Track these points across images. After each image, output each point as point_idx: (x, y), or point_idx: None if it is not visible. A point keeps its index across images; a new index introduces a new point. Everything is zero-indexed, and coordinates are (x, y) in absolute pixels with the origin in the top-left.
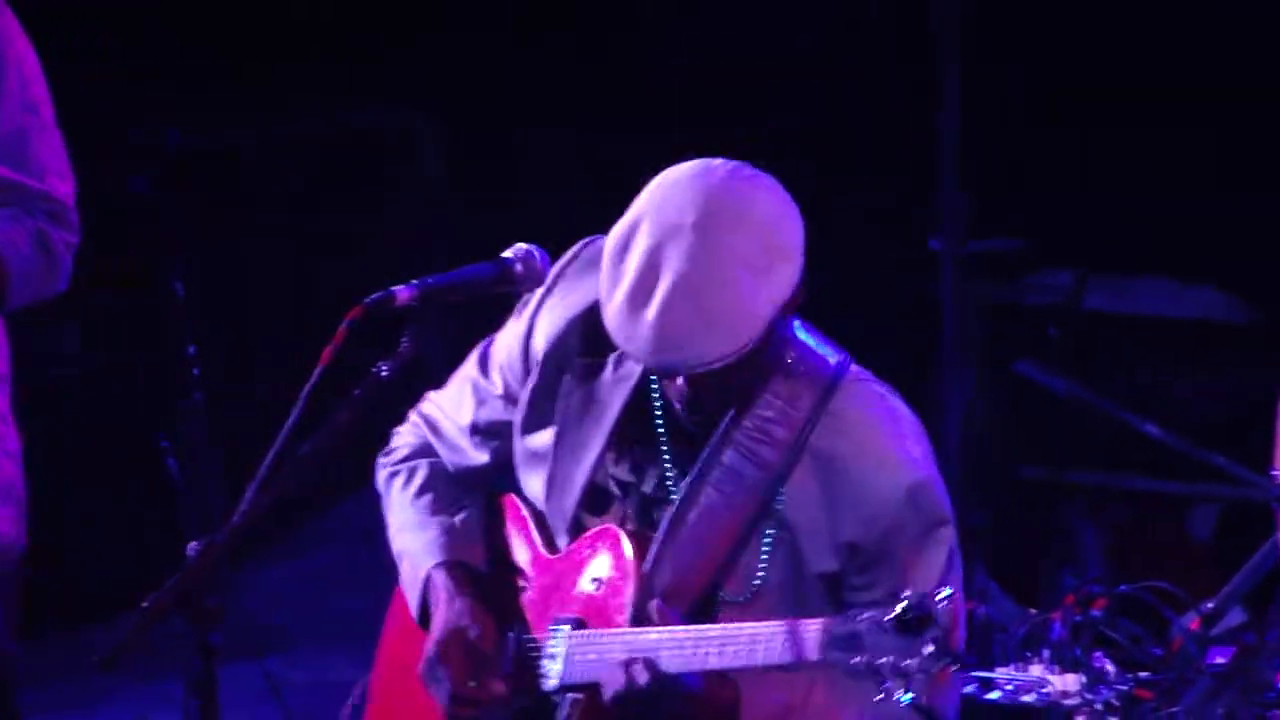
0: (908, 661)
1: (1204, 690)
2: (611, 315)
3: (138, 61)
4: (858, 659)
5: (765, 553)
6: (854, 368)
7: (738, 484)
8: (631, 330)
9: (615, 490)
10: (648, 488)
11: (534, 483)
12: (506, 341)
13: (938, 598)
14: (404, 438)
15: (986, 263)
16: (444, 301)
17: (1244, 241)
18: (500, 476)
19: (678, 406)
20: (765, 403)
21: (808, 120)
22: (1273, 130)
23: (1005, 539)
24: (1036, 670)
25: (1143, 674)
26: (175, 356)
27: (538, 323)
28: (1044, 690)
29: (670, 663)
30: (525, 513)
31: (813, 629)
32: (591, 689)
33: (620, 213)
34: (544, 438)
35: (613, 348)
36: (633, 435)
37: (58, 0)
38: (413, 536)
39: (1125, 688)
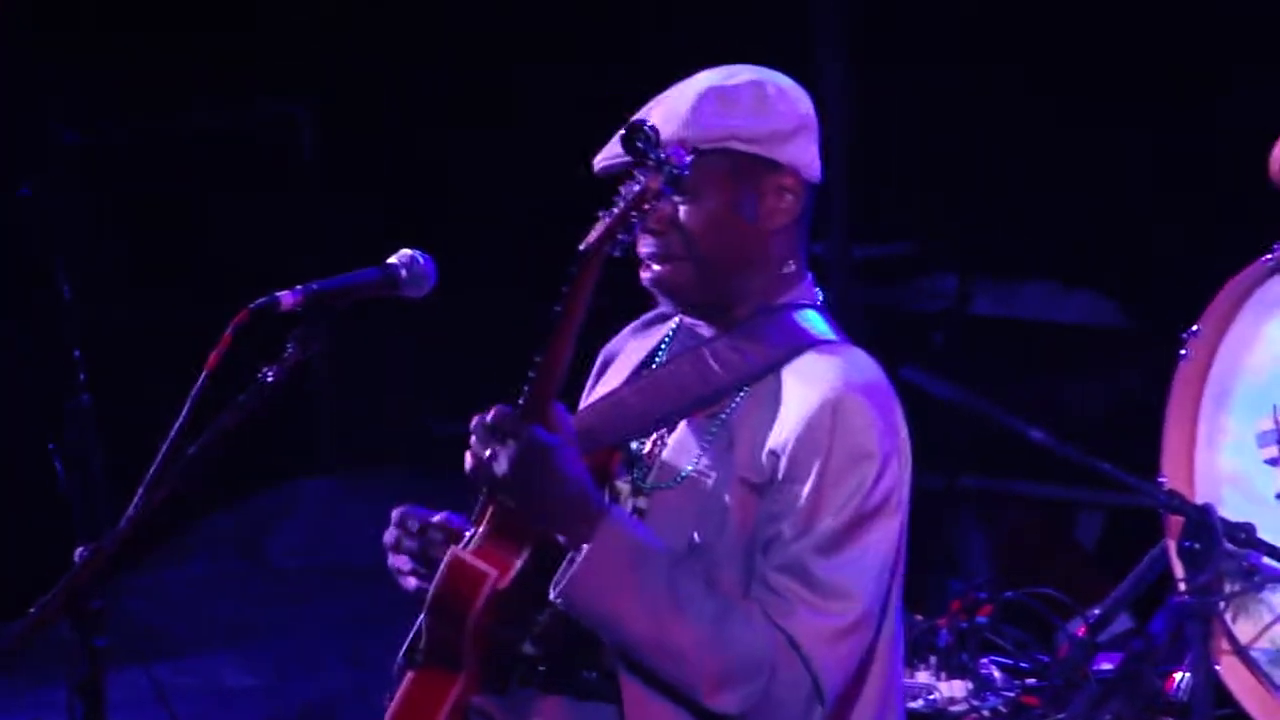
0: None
1: (1090, 696)
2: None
3: (23, 59)
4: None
5: (704, 443)
6: (852, 345)
7: (700, 372)
8: (604, 149)
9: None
10: None
11: None
12: None
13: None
14: None
15: (870, 268)
16: (329, 306)
17: (1127, 244)
18: None
19: (644, 248)
20: (751, 335)
21: None
22: (1152, 133)
23: None
24: (923, 677)
25: (1029, 680)
26: (62, 359)
27: (615, 340)
28: (931, 697)
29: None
30: None
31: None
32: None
33: (510, 204)
34: None
35: (659, 325)
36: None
37: None
38: None
39: (1012, 694)
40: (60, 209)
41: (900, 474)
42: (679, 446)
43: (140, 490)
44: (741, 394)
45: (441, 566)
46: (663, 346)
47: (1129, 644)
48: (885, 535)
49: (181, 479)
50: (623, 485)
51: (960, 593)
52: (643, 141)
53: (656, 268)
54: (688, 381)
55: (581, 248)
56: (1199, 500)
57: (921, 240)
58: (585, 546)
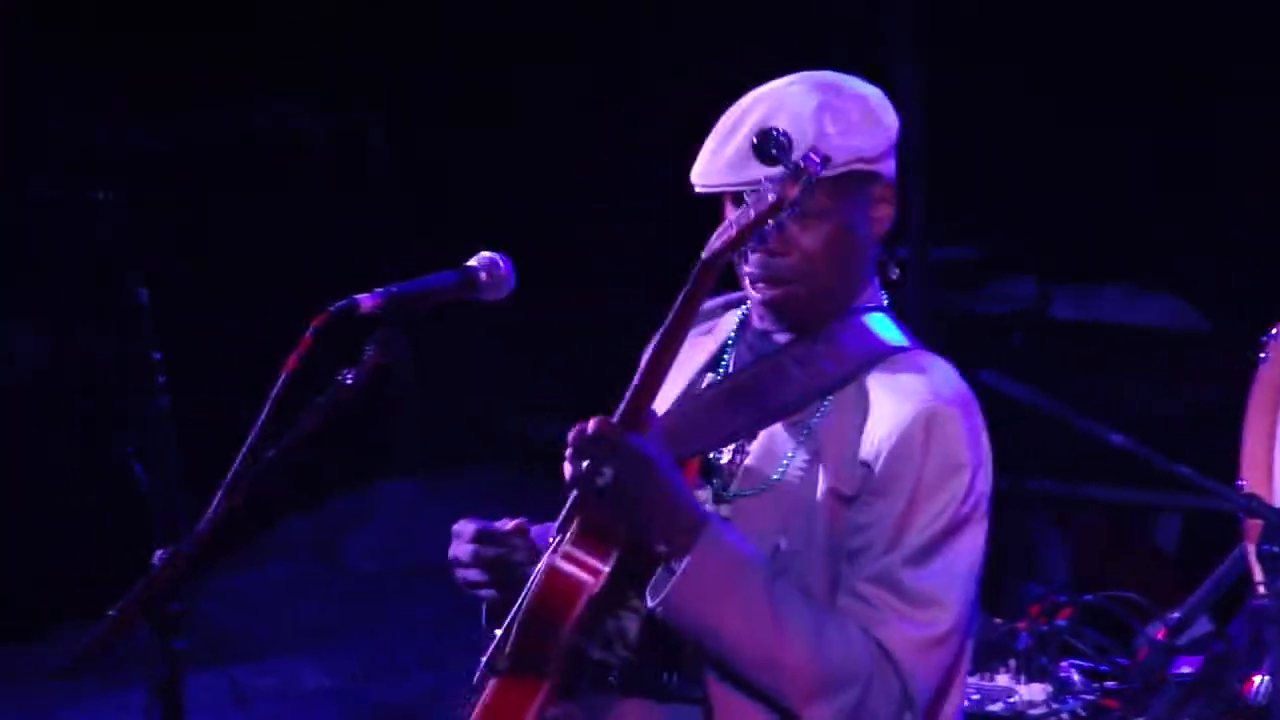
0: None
1: (1170, 700)
2: (700, 162)
3: (101, 69)
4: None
5: (789, 453)
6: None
7: (781, 377)
8: (715, 163)
9: None
10: None
11: None
12: None
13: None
14: None
15: (949, 271)
16: (408, 309)
17: (1207, 247)
18: None
19: (757, 269)
20: (832, 341)
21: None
22: (1230, 142)
23: None
24: (1003, 680)
25: (1109, 684)
26: (140, 363)
27: None
28: (1011, 699)
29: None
30: None
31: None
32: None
33: (579, 213)
34: None
35: (717, 323)
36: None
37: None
38: None
39: (1091, 697)
40: (138, 214)
41: (987, 481)
42: (764, 453)
43: (219, 493)
44: (826, 401)
45: (537, 575)
46: (729, 345)
47: (1208, 648)
48: (974, 543)
49: (261, 482)
50: (702, 494)
51: (1039, 596)
52: (777, 149)
53: (772, 291)
54: (769, 388)
55: (705, 255)
56: (1278, 503)
57: (999, 243)
58: (686, 557)
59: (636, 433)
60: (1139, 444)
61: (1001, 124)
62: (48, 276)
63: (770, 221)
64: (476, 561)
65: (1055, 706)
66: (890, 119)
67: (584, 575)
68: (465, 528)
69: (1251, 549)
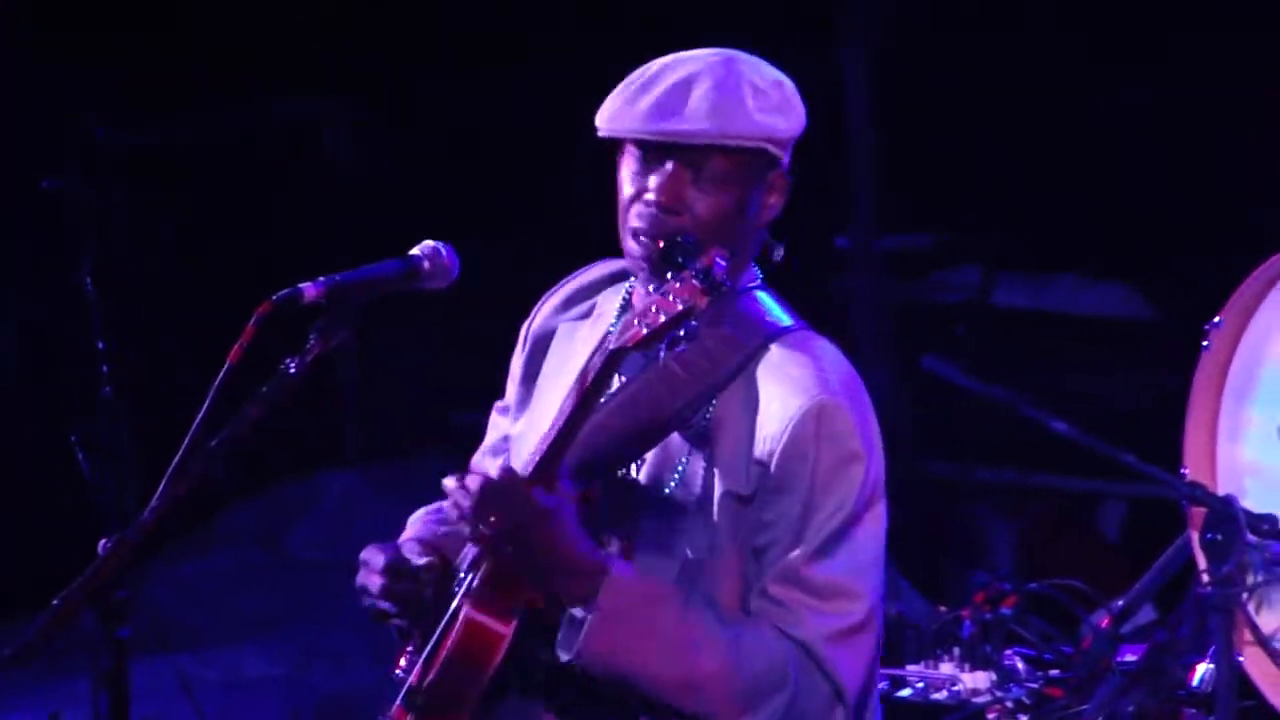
0: (677, 300)
1: (1114, 688)
2: (609, 107)
3: (54, 57)
4: (644, 322)
5: (682, 460)
6: (811, 330)
7: (670, 384)
8: (628, 110)
9: None
10: None
11: (517, 458)
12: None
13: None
14: None
15: (894, 260)
16: (351, 298)
17: (1149, 238)
18: None
19: (644, 222)
20: (715, 331)
21: None
22: (1177, 129)
23: (915, 537)
24: (947, 668)
25: (1053, 672)
26: (86, 352)
27: (540, 308)
28: (955, 688)
29: (530, 462)
30: None
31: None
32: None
33: (554, 215)
34: (525, 419)
35: (595, 309)
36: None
37: None
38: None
39: (1035, 685)
40: (92, 204)
41: (881, 464)
42: (658, 462)
43: (163, 482)
44: (714, 402)
45: (457, 626)
46: (611, 333)
47: (1152, 635)
48: (876, 529)
49: (205, 471)
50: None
51: (984, 584)
52: (684, 256)
53: (655, 246)
54: (660, 397)
55: (613, 347)
56: (1221, 491)
57: (945, 232)
58: (593, 608)
59: (540, 485)
60: (1082, 432)
61: (951, 110)
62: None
63: (678, 328)
64: (386, 595)
65: (999, 695)
66: (801, 110)
67: (500, 627)
68: (375, 558)
69: (1195, 537)
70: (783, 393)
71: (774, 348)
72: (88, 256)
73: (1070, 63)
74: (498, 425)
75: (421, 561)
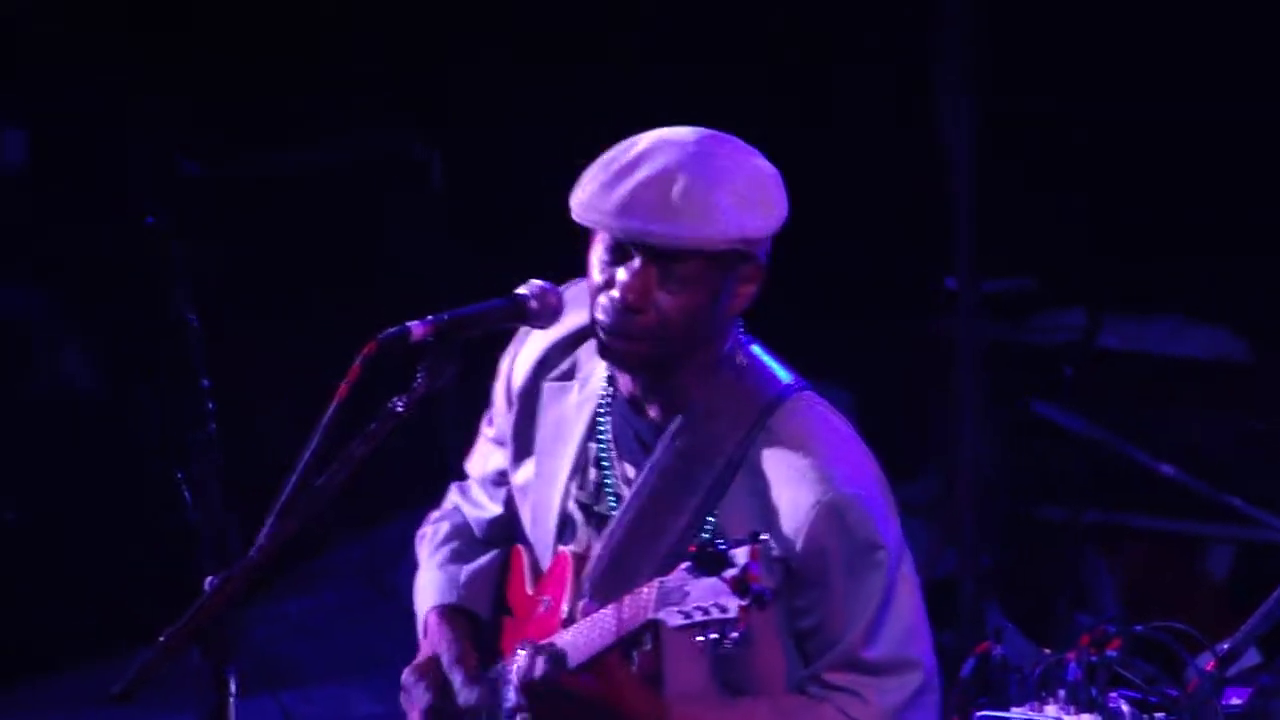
0: (715, 602)
1: None
2: (584, 190)
3: (145, 91)
4: (681, 609)
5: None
6: (804, 390)
7: (677, 495)
8: (602, 200)
9: (578, 515)
10: (602, 507)
11: (525, 518)
12: (496, 385)
13: (739, 540)
14: (446, 501)
15: (999, 302)
16: (458, 337)
17: (1254, 281)
18: (519, 527)
19: (608, 317)
20: (709, 413)
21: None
22: (1274, 172)
23: (1019, 579)
24: (1052, 711)
25: (1158, 715)
26: (189, 389)
27: (517, 359)
28: None
29: (572, 655)
30: (525, 557)
31: (649, 588)
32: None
33: None
34: (527, 471)
35: (578, 369)
36: (594, 456)
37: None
38: (423, 586)
39: None
40: (189, 240)
41: (901, 532)
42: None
43: (270, 519)
44: (723, 497)
45: None
46: (602, 425)
47: (1257, 679)
48: (911, 590)
49: (311, 509)
50: None
51: (1089, 626)
52: (723, 567)
53: (615, 343)
54: (670, 504)
55: (651, 617)
56: None
57: (1049, 274)
58: None
59: (591, 673)
60: (1188, 474)
61: (1052, 151)
62: (102, 303)
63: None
64: None
65: None
66: (781, 205)
67: None
68: (418, 697)
69: None
70: (792, 491)
71: (772, 428)
72: (189, 292)
73: (1181, 102)
74: (491, 454)
75: (463, 700)
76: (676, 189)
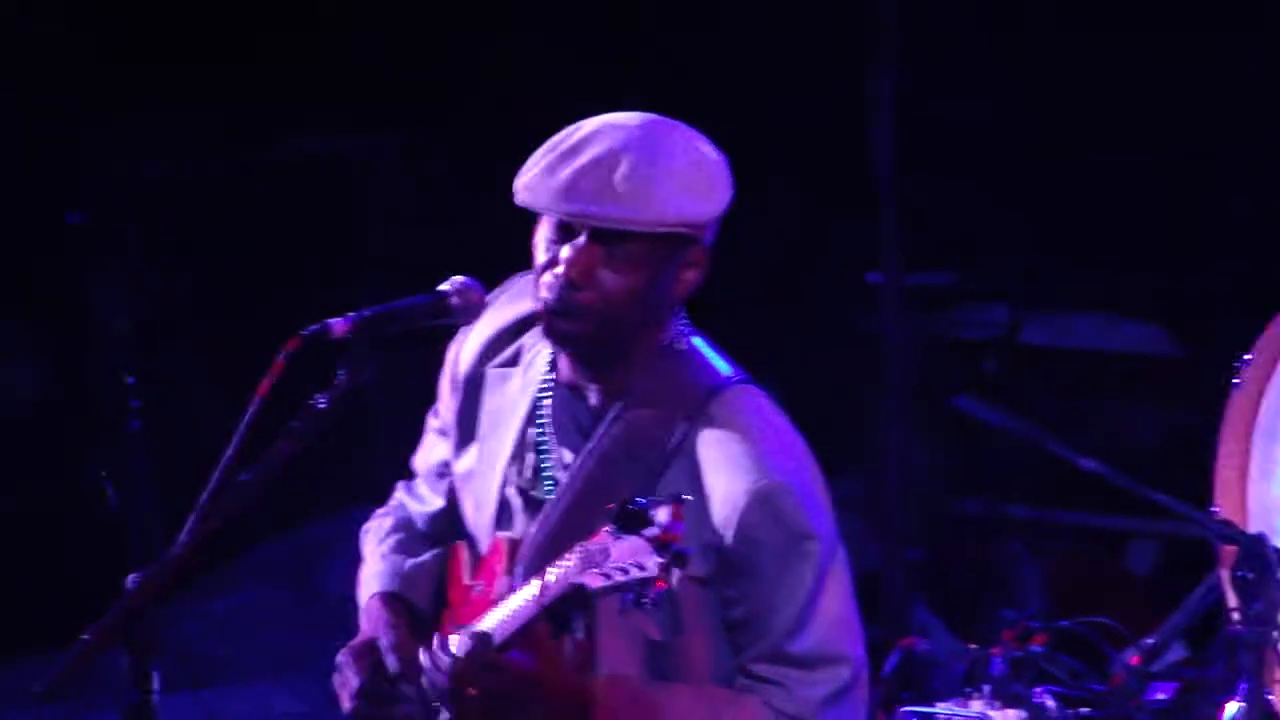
0: (634, 561)
1: None
2: (528, 174)
3: (83, 91)
4: (602, 570)
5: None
6: (745, 382)
7: (613, 480)
8: (545, 183)
9: (516, 500)
10: (539, 492)
11: (467, 507)
12: (442, 374)
13: (660, 499)
14: (392, 499)
15: (922, 296)
16: (380, 333)
17: (1178, 275)
18: (461, 519)
19: (551, 294)
20: (648, 400)
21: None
22: (1197, 167)
23: (944, 574)
24: (977, 706)
25: (1083, 710)
26: (114, 386)
27: (463, 346)
28: None
29: (499, 631)
30: (465, 553)
31: (571, 553)
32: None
33: None
34: (470, 458)
35: (522, 355)
36: (533, 441)
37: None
38: (366, 576)
39: None
40: (124, 238)
41: (834, 523)
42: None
43: (193, 517)
44: (660, 484)
45: None
46: (542, 410)
47: (1182, 673)
48: (842, 585)
49: (234, 506)
50: None
51: (1013, 621)
52: (640, 523)
53: (562, 321)
54: (605, 488)
55: (574, 581)
56: (1252, 529)
57: (973, 269)
58: None
59: (517, 648)
60: (1112, 469)
61: (976, 147)
62: (27, 301)
63: (635, 593)
64: (364, 717)
65: None
66: (724, 190)
67: None
68: (350, 677)
69: (1226, 575)
70: (726, 478)
71: (711, 415)
72: (116, 291)
73: (1097, 98)
74: (435, 446)
75: (396, 670)
76: (619, 172)
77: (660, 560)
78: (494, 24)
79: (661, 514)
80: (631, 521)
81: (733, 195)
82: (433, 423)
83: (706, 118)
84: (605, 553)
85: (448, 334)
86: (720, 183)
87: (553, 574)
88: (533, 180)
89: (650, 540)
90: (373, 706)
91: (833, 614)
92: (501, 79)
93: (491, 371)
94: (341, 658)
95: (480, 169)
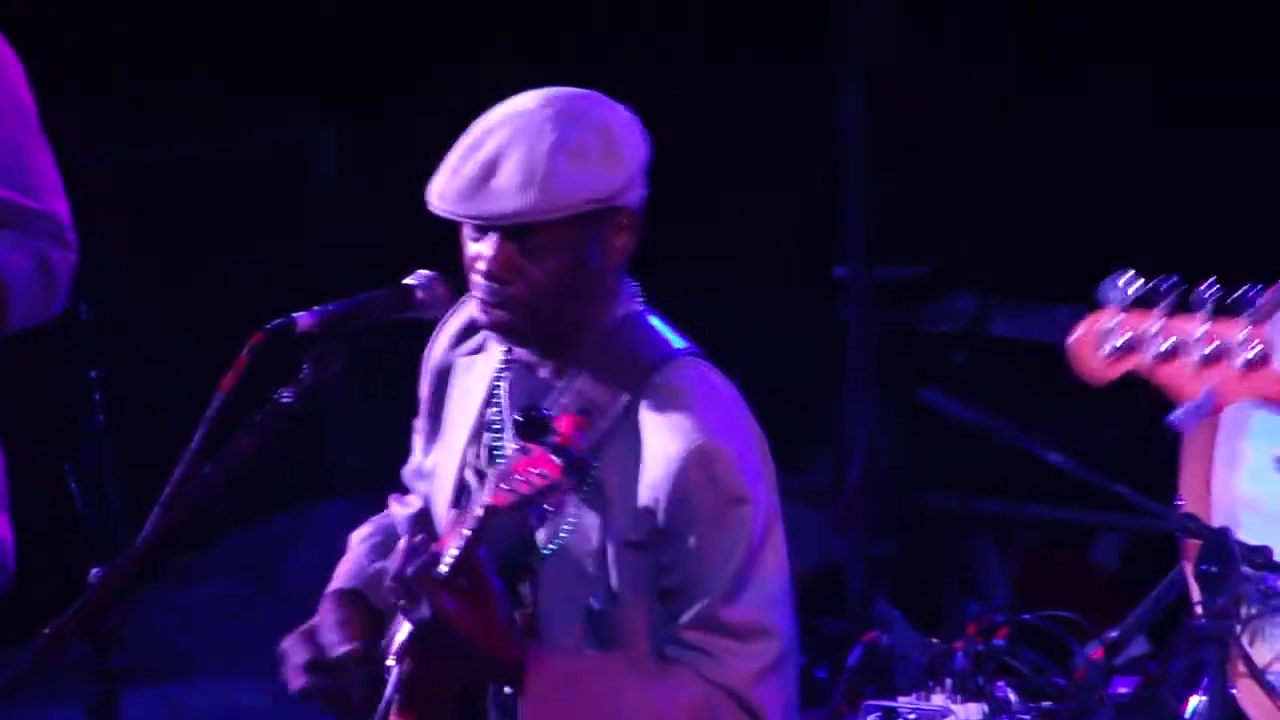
0: (539, 471)
1: None
2: (438, 178)
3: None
4: (510, 487)
5: (575, 512)
6: (694, 355)
7: None
8: (449, 186)
9: (474, 482)
10: (493, 470)
11: (434, 496)
12: (423, 371)
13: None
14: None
15: (889, 289)
16: (344, 328)
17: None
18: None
19: (480, 291)
20: (597, 373)
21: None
22: (1170, 159)
23: (908, 567)
24: (939, 700)
25: (1045, 704)
26: (78, 380)
27: (437, 339)
28: None
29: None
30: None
31: (490, 477)
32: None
33: None
34: (437, 450)
35: (488, 342)
36: (488, 421)
37: None
38: (335, 575)
39: (1028, 717)
40: (80, 230)
41: (771, 492)
42: (553, 518)
43: (156, 511)
44: (605, 451)
45: None
46: (498, 390)
47: (1145, 667)
48: (778, 556)
49: (197, 500)
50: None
51: (976, 615)
52: (542, 431)
53: (497, 313)
54: None
55: (490, 504)
56: (1216, 524)
57: (940, 262)
58: (521, 693)
59: (464, 577)
60: (1077, 463)
61: (947, 136)
62: None
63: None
64: (312, 693)
65: None
66: (633, 149)
67: None
68: (295, 655)
69: (1189, 568)
70: (664, 439)
71: (656, 384)
72: (79, 282)
73: (1068, 90)
74: (417, 447)
75: (341, 651)
76: (510, 167)
77: (559, 463)
78: (450, 11)
79: (563, 423)
80: (533, 429)
81: (648, 149)
82: (417, 425)
83: (665, 106)
84: (510, 470)
85: (412, 328)
86: (628, 144)
87: (477, 502)
88: (439, 187)
89: (551, 447)
90: (320, 677)
91: (767, 586)
92: (463, 66)
93: (460, 360)
94: (285, 644)
95: (437, 157)
